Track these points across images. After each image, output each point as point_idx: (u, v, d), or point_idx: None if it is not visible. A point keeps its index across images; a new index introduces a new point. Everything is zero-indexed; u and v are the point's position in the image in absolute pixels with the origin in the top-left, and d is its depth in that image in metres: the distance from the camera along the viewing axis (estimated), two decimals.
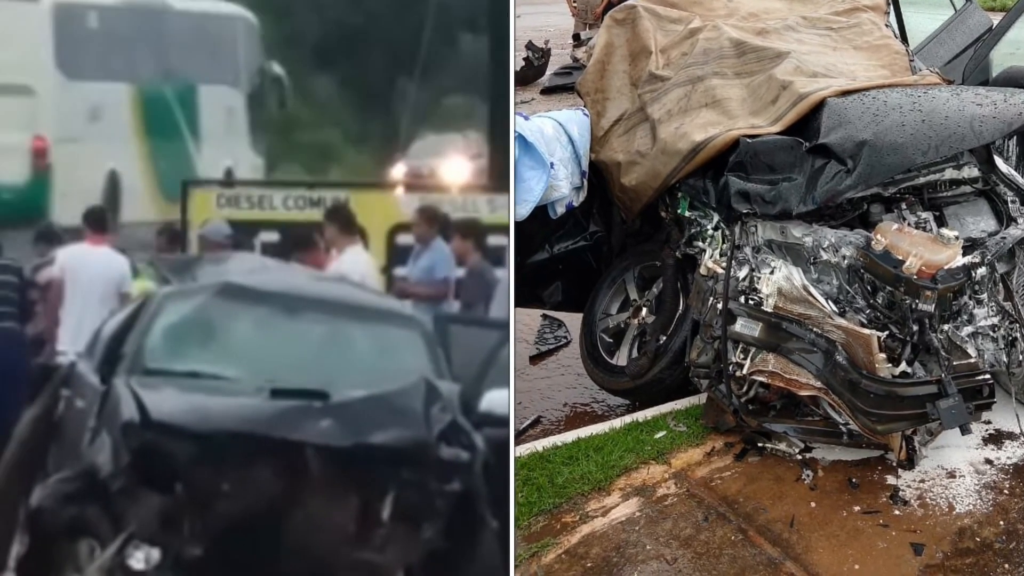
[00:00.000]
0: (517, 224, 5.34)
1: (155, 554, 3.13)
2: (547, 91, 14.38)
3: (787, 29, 5.85)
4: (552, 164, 5.45)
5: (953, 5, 8.45)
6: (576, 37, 16.36)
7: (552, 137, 5.54)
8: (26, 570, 3.24)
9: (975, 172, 5.07)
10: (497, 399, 3.69)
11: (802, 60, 5.37)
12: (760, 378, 4.71)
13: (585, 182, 5.78)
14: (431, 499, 3.31)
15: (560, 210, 5.71)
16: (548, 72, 15.20)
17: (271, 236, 4.80)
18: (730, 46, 5.60)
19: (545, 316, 7.03)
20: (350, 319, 3.87)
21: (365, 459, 3.27)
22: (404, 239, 4.80)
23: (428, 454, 3.34)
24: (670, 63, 5.74)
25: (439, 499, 3.32)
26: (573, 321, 6.56)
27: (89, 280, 3.98)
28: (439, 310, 4.39)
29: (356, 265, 4.55)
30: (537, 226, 5.76)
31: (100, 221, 4.07)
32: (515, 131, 5.27)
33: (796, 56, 5.40)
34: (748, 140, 4.91)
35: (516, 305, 5.78)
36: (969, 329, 4.52)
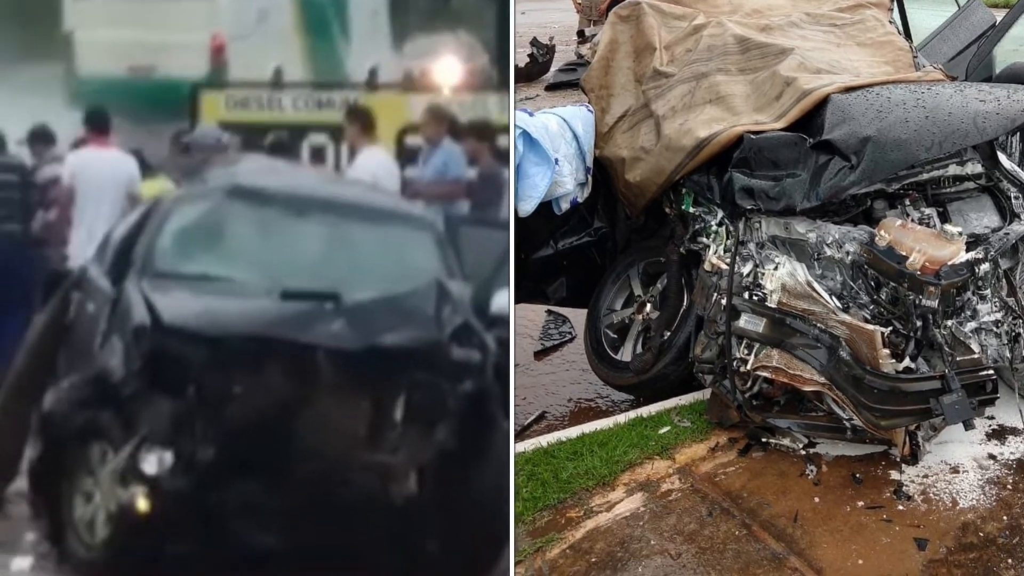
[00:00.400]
0: (521, 220, 5.37)
1: (168, 457, 3.11)
2: (551, 87, 14.38)
3: (791, 26, 5.85)
4: (556, 160, 5.47)
5: (957, 2, 8.46)
6: (580, 34, 16.37)
7: (556, 133, 5.56)
8: (39, 474, 3.24)
9: (978, 168, 5.08)
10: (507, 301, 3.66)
11: (806, 56, 5.37)
12: (764, 373, 4.72)
13: (589, 178, 5.79)
14: (443, 400, 3.29)
15: (564, 206, 5.72)
16: (552, 69, 15.21)
17: (281, 137, 4.93)
18: (734, 42, 5.61)
19: (549, 312, 7.05)
20: (361, 221, 3.82)
21: (377, 361, 3.25)
22: (414, 140, 4.82)
23: (440, 355, 3.33)
24: (674, 59, 5.75)
25: (451, 400, 3.30)
26: (577, 317, 6.58)
27: (99, 183, 3.92)
28: (451, 211, 4.30)
29: (374, 165, 4.49)
30: (541, 222, 5.77)
31: (103, 123, 3.97)
32: (519, 127, 5.31)
33: (800, 52, 5.40)
34: (752, 136, 4.91)
35: (520, 301, 5.82)
36: (973, 325, 4.53)
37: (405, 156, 4.94)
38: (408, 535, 3.28)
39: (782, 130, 4.99)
